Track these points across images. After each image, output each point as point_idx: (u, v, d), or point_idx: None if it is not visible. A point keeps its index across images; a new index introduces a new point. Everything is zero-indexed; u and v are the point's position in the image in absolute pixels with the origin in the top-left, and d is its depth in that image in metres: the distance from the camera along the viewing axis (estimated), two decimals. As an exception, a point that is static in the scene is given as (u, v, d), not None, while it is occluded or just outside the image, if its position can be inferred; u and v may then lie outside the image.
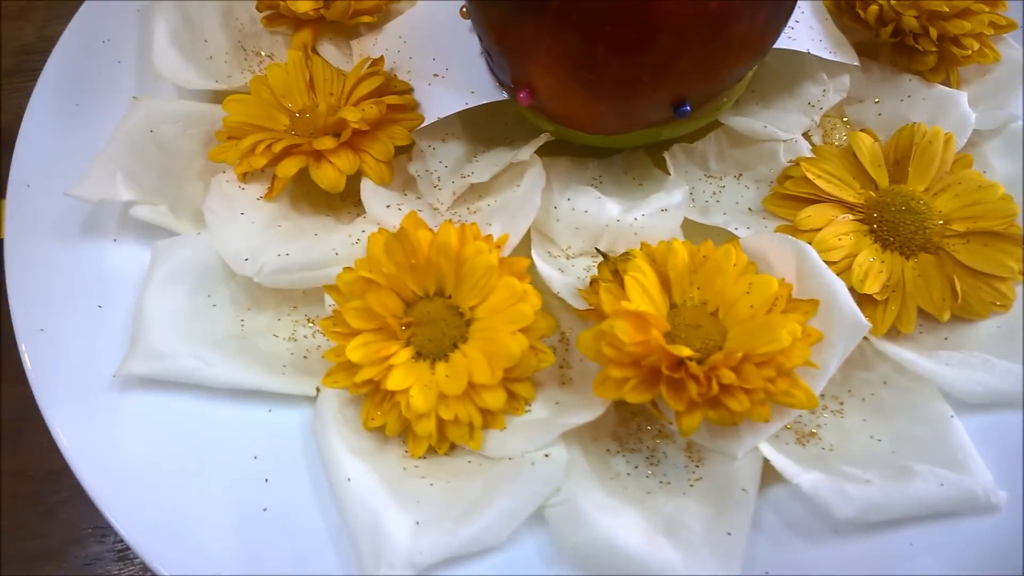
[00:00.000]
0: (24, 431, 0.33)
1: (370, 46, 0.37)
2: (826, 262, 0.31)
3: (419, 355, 0.29)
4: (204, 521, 0.27)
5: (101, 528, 0.31)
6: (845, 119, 0.38)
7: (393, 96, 0.33)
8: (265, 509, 0.27)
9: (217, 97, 0.36)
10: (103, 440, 0.28)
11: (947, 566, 0.27)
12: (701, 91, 0.30)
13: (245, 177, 0.33)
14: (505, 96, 0.33)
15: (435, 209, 0.34)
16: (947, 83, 0.38)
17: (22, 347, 0.30)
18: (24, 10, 0.44)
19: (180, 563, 0.26)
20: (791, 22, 0.35)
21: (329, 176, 0.32)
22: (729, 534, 0.27)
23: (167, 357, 0.28)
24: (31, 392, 0.32)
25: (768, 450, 0.28)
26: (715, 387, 0.26)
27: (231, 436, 0.29)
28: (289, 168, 0.32)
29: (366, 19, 0.37)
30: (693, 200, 0.36)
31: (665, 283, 0.30)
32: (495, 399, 0.28)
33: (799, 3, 0.36)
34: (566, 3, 0.27)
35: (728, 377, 0.26)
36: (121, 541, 0.31)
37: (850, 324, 0.28)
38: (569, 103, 0.31)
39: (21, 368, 0.33)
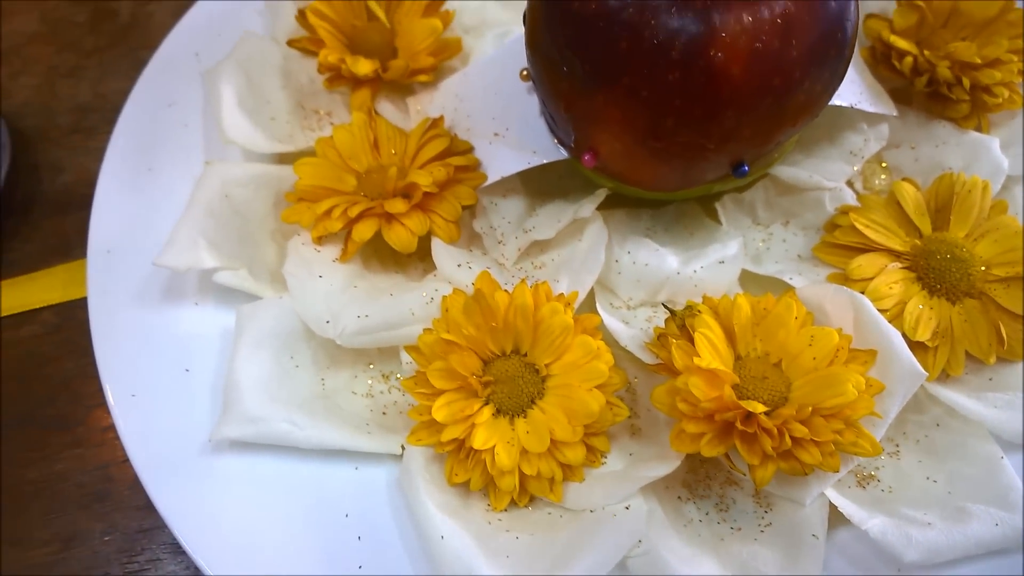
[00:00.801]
0: (109, 492, 0.34)
1: (427, 103, 0.39)
2: (878, 310, 0.33)
3: (499, 412, 0.30)
4: (307, 572, 0.28)
5: (192, 584, 0.33)
6: (884, 164, 0.40)
7: (459, 158, 0.35)
8: (360, 567, 0.29)
9: (281, 157, 0.38)
10: (200, 501, 0.30)
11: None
12: (759, 152, 0.32)
13: (320, 240, 0.34)
14: (566, 155, 0.35)
15: (501, 264, 0.35)
16: (979, 128, 0.40)
17: (115, 413, 0.31)
18: (77, 68, 0.45)
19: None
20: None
21: (402, 238, 0.33)
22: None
23: (260, 421, 0.30)
24: (113, 454, 0.33)
25: (834, 495, 0.30)
26: (788, 441, 0.28)
27: (322, 495, 0.30)
28: (365, 232, 0.33)
29: (423, 78, 0.39)
30: (744, 247, 0.37)
31: (730, 336, 0.31)
32: (575, 454, 0.30)
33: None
34: (636, 79, 0.28)
35: (800, 431, 0.28)
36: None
37: (908, 373, 0.30)
38: (633, 166, 0.32)
39: (100, 430, 0.35)
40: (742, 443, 0.28)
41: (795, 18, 0.28)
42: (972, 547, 0.29)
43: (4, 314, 0.37)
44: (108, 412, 0.32)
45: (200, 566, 0.28)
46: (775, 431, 0.28)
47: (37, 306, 0.37)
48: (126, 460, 0.31)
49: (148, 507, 0.30)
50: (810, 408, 0.28)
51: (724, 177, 0.33)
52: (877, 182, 0.39)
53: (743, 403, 0.28)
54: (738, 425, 0.28)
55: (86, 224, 0.35)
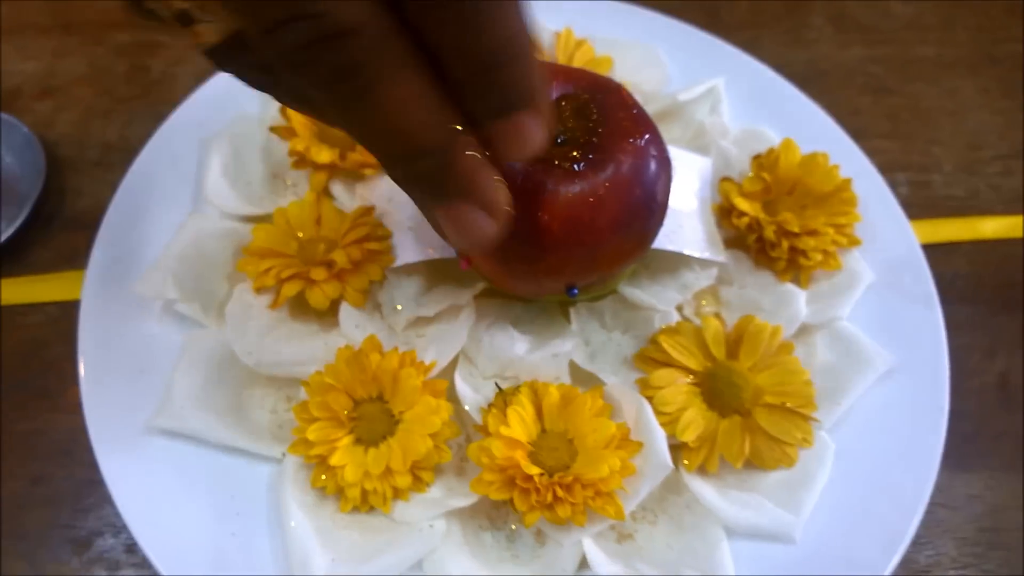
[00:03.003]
0: (73, 451, 0.44)
1: (369, 191, 0.50)
2: (663, 412, 0.43)
3: (358, 440, 0.41)
4: (194, 529, 0.39)
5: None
6: (716, 295, 0.50)
7: (374, 243, 0.46)
8: (233, 533, 0.40)
9: (248, 218, 0.49)
10: (133, 467, 0.41)
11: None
12: (585, 283, 0.42)
13: (259, 290, 0.45)
14: (455, 255, 0.45)
15: (392, 329, 0.46)
16: (796, 281, 0.50)
17: (83, 392, 0.42)
18: (109, 111, 0.56)
19: (173, 559, 0.39)
20: (675, 226, 0.47)
21: (318, 298, 0.44)
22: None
23: (184, 419, 0.41)
24: (80, 422, 0.44)
25: (588, 543, 0.40)
26: (549, 498, 0.38)
27: (220, 477, 0.41)
28: (290, 290, 0.44)
29: (369, 172, 0.50)
30: (588, 344, 0.47)
31: (539, 413, 0.42)
32: (403, 480, 0.40)
33: (687, 210, 0.49)
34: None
35: (560, 493, 0.38)
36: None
37: (660, 464, 0.40)
38: (494, 276, 0.43)
39: (74, 403, 0.45)
40: (519, 494, 0.39)
41: (604, 199, 0.38)
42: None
43: (18, 302, 0.48)
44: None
45: (121, 512, 0.39)
46: (542, 490, 0.38)
47: (45, 300, 0.48)
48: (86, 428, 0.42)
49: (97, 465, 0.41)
50: (572, 477, 0.39)
51: (563, 292, 0.44)
52: (706, 308, 0.50)
53: (524, 466, 0.39)
54: (517, 480, 0.39)
55: (92, 242, 0.47)
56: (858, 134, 0.60)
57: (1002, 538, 0.48)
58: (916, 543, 0.43)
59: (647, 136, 0.40)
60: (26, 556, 0.43)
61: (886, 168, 0.60)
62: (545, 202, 0.38)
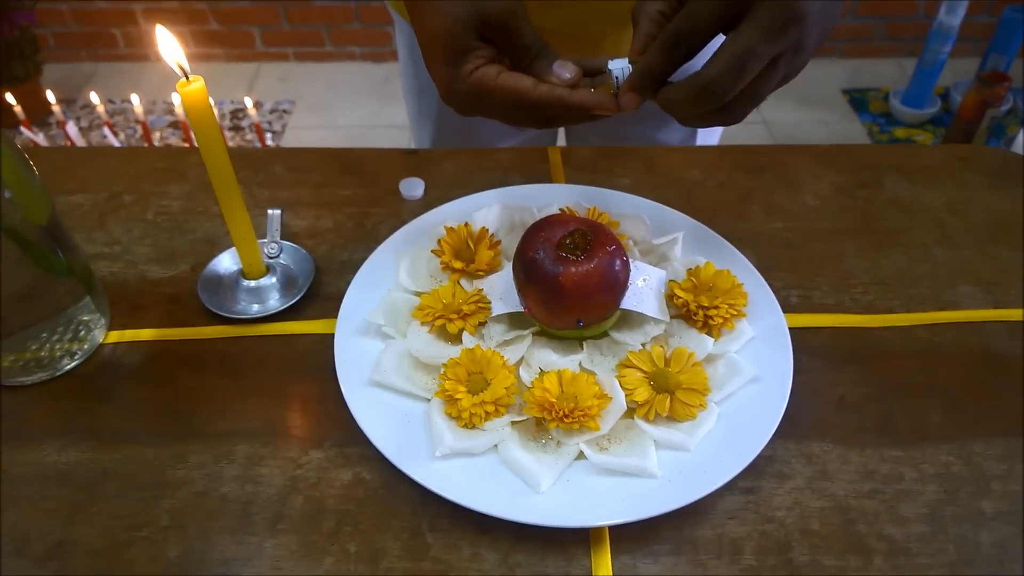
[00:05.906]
0: (325, 399, 0.88)
1: (480, 283, 0.95)
2: (626, 387, 0.83)
3: (469, 391, 0.83)
4: (389, 427, 0.81)
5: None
6: (664, 340, 0.91)
7: (481, 304, 0.90)
8: (406, 431, 0.81)
9: (419, 292, 0.94)
10: (362, 401, 0.83)
11: (628, 504, 0.77)
12: (587, 319, 0.85)
13: (423, 323, 0.90)
14: (522, 309, 0.89)
15: (488, 344, 0.89)
16: (710, 333, 0.90)
17: (337, 369, 0.86)
18: (344, 246, 1.03)
19: (380, 437, 0.80)
20: (641, 296, 0.89)
21: (452, 329, 0.88)
22: (557, 463, 0.78)
23: (385, 377, 0.84)
24: (336, 385, 0.88)
25: (583, 445, 0.79)
26: (560, 415, 0.79)
27: (400, 406, 0.83)
28: (438, 324, 0.88)
29: (480, 273, 0.95)
30: (592, 360, 0.89)
31: (561, 383, 0.83)
32: (490, 408, 0.81)
33: (651, 286, 0.91)
34: (536, 284, 0.83)
35: (565, 412, 0.79)
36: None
37: (618, 406, 0.80)
38: (540, 316, 0.86)
39: (329, 377, 0.90)
40: (545, 413, 0.79)
41: (591, 274, 0.81)
42: (618, 466, 0.78)
43: (296, 332, 0.95)
44: (335, 368, 0.87)
45: (356, 418, 0.82)
46: (557, 411, 0.79)
47: (309, 332, 0.94)
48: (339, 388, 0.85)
49: (341, 404, 0.84)
50: (572, 406, 0.79)
51: (575, 326, 0.86)
52: (663, 343, 0.90)
53: (548, 398, 0.79)
54: (545, 406, 0.79)
55: (338, 305, 0.93)
56: (769, 268, 1.02)
57: (828, 477, 0.83)
58: (774, 475, 0.81)
59: (614, 248, 0.84)
60: (300, 444, 0.85)
61: (784, 287, 1.01)
62: (563, 274, 0.82)
